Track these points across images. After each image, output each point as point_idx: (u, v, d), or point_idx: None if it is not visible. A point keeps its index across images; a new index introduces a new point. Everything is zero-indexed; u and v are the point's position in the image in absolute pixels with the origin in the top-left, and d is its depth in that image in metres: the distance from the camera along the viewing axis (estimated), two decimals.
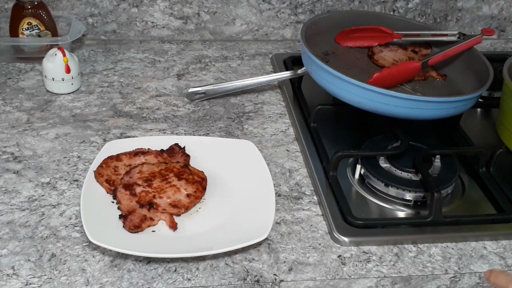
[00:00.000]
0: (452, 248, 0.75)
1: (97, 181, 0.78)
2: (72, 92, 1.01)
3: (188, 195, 0.77)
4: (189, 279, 0.68)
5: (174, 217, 0.74)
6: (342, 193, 0.80)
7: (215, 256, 0.70)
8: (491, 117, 1.04)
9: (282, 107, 1.02)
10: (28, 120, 0.93)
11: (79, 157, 0.86)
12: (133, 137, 0.90)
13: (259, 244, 0.72)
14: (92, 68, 1.10)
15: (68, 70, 0.98)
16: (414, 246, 0.74)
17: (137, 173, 0.79)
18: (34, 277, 0.66)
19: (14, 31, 1.08)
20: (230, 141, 0.88)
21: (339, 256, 0.72)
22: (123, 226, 0.72)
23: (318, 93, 0.99)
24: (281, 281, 0.68)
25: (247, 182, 0.80)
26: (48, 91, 1.01)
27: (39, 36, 1.09)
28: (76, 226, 0.74)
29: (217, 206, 0.77)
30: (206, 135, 0.92)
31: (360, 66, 1.01)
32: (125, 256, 0.69)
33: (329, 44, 1.04)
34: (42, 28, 1.08)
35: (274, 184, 0.80)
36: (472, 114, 1.03)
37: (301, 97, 1.02)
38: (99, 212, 0.73)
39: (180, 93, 1.04)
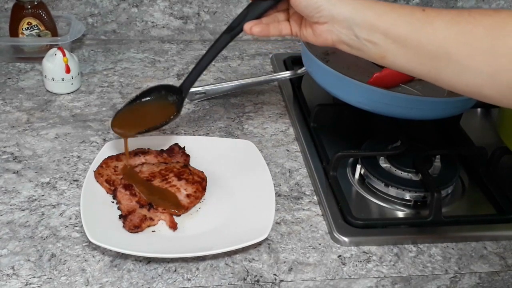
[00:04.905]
0: (452, 248, 0.75)
1: (97, 181, 0.78)
2: (72, 92, 1.01)
3: (188, 195, 0.77)
4: (189, 279, 0.68)
5: (174, 217, 0.74)
6: (342, 193, 0.80)
7: (215, 256, 0.70)
8: (491, 117, 1.04)
9: (282, 107, 1.02)
10: (28, 120, 0.93)
11: (79, 157, 0.86)
12: (133, 137, 0.90)
13: (259, 244, 0.72)
14: (92, 68, 1.10)
15: (68, 70, 0.98)
16: (414, 246, 0.74)
17: (137, 173, 0.79)
18: (34, 277, 0.66)
19: (14, 31, 1.08)
20: (230, 141, 0.88)
21: (339, 256, 0.72)
22: (123, 226, 0.72)
23: (318, 93, 0.99)
24: (281, 281, 0.68)
25: (247, 182, 0.80)
26: (48, 91, 1.01)
27: (39, 36, 1.09)
28: (76, 226, 0.74)
29: (217, 206, 0.77)
30: (206, 135, 0.92)
31: (360, 66, 1.01)
32: (125, 256, 0.69)
33: None
34: (42, 28, 1.08)
35: (274, 184, 0.80)
36: (472, 114, 1.04)
37: (301, 97, 1.02)
38: (99, 212, 0.73)
39: None
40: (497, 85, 0.55)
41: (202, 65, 0.79)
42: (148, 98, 0.82)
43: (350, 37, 0.62)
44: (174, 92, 0.81)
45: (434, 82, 0.60)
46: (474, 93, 0.57)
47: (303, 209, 0.79)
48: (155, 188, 0.77)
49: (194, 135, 0.92)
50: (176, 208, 0.75)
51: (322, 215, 0.78)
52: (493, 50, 0.54)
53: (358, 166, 0.84)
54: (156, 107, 0.81)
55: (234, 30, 0.73)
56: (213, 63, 1.14)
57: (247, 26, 0.69)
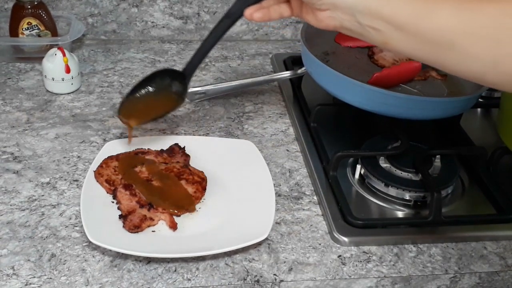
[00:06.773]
0: (452, 248, 0.75)
1: (97, 181, 0.78)
2: (72, 92, 1.01)
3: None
4: (189, 279, 0.68)
5: (174, 217, 0.74)
6: (342, 193, 0.80)
7: (215, 256, 0.70)
8: (491, 117, 1.04)
9: (282, 107, 1.02)
10: (28, 120, 0.93)
11: (79, 157, 0.86)
12: (133, 137, 0.90)
13: (259, 244, 0.72)
14: (92, 68, 1.10)
15: (68, 70, 0.98)
16: (414, 246, 0.74)
17: (137, 173, 0.79)
18: (34, 277, 0.66)
19: (14, 31, 1.08)
20: (230, 141, 0.88)
21: (339, 256, 0.72)
22: (123, 226, 0.72)
23: (318, 93, 0.99)
24: (281, 281, 0.68)
25: (247, 182, 0.80)
26: (48, 91, 1.01)
27: (39, 36, 1.09)
28: (76, 226, 0.74)
29: (217, 206, 0.77)
30: (206, 135, 0.92)
31: (360, 66, 1.01)
32: (125, 256, 0.69)
33: (329, 44, 1.04)
34: (42, 28, 1.08)
35: (274, 184, 0.80)
36: (472, 114, 1.03)
37: (301, 97, 1.02)
38: (99, 212, 0.73)
39: None
40: (500, 73, 0.55)
41: (204, 49, 0.80)
42: (153, 86, 0.84)
43: (352, 23, 0.61)
44: (177, 78, 0.83)
45: (437, 67, 0.60)
46: (477, 79, 0.58)
47: (303, 209, 0.79)
48: (155, 188, 0.77)
49: (194, 135, 0.92)
50: (176, 208, 0.75)
51: (322, 215, 0.78)
52: (496, 39, 0.54)
53: (358, 166, 0.84)
54: (161, 96, 0.84)
55: (234, 15, 0.73)
56: (213, 63, 1.15)
57: (248, 12, 0.68)
